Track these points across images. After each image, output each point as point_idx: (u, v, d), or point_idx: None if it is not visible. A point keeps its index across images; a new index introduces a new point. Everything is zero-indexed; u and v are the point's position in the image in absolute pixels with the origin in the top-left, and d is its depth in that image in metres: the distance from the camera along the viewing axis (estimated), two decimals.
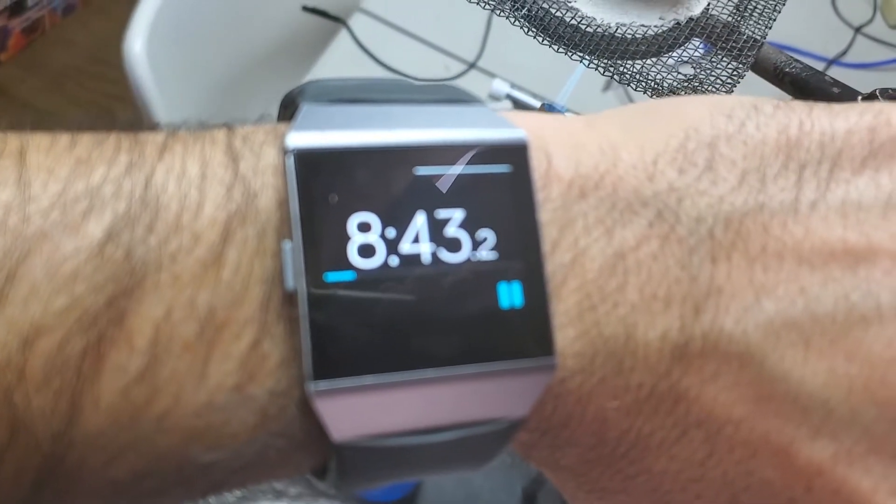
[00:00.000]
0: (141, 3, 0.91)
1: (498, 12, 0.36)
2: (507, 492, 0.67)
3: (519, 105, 0.88)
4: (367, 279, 0.16)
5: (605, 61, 0.35)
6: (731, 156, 0.18)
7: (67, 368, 0.14)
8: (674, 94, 0.34)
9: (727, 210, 0.17)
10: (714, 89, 0.35)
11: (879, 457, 0.17)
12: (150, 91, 0.89)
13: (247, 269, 0.15)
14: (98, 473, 0.15)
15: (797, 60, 0.35)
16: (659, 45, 0.36)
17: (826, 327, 0.17)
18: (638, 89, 0.35)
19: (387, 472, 0.17)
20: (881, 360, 0.16)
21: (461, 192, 0.17)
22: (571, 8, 0.36)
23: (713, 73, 0.35)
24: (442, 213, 0.17)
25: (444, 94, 0.19)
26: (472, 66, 0.99)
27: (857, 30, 1.06)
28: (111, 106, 1.66)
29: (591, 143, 0.18)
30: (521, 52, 0.73)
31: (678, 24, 0.36)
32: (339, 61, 0.98)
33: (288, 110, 0.18)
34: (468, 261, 0.16)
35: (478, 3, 0.36)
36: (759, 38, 0.36)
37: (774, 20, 0.37)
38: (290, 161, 0.16)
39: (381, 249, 0.16)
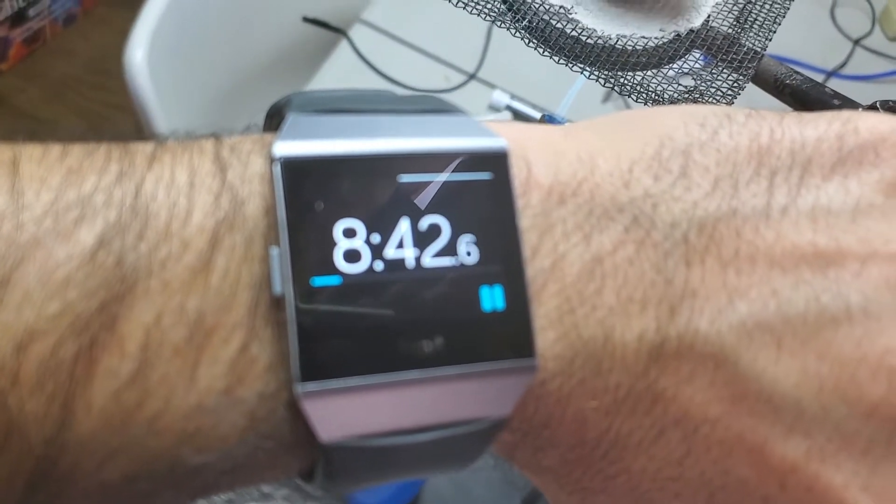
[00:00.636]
0: (142, 13, 0.91)
1: (498, 24, 0.36)
2: (506, 503, 0.66)
3: (519, 116, 0.88)
4: (352, 284, 0.16)
5: (606, 73, 0.35)
6: (705, 163, 0.19)
7: (60, 372, 0.15)
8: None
9: (701, 215, 0.18)
10: (714, 101, 0.35)
11: (850, 453, 0.17)
12: (150, 101, 0.89)
13: (235, 274, 0.16)
14: (90, 476, 0.15)
15: (798, 72, 0.35)
16: (659, 56, 0.36)
17: (797, 328, 0.17)
18: (638, 101, 0.35)
19: (373, 472, 0.17)
20: (851, 360, 0.17)
21: (444, 199, 0.17)
22: (572, 19, 0.36)
23: (713, 85, 0.35)
24: (425, 220, 0.17)
25: (428, 105, 0.19)
26: (472, 76, 1.00)
27: (857, 42, 1.06)
28: (111, 116, 1.66)
29: (570, 151, 0.19)
30: (522, 64, 0.73)
31: (678, 35, 0.36)
32: (339, 72, 0.98)
33: (273, 120, 0.18)
34: (451, 265, 0.17)
35: (478, 15, 0.36)
36: (759, 49, 0.36)
37: (774, 32, 0.37)
38: (278, 169, 0.16)
39: (366, 255, 0.16)
